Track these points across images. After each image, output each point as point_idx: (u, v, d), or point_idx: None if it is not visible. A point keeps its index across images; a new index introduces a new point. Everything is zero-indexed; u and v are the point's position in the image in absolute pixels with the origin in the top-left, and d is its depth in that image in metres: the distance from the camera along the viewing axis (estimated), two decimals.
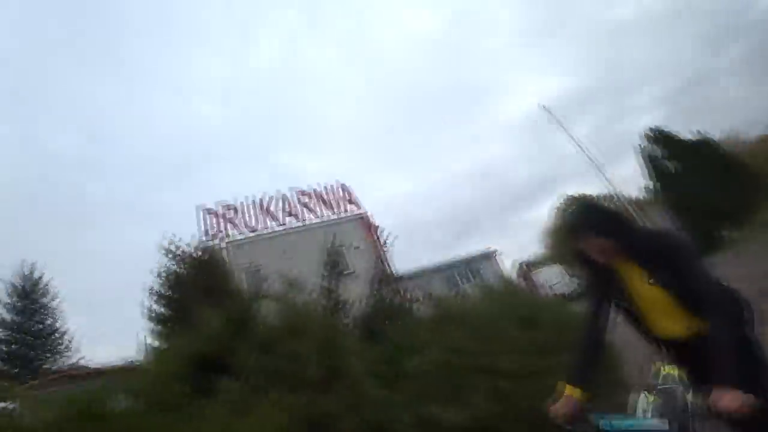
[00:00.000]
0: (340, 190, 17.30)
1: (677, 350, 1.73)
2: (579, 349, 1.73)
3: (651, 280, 1.63)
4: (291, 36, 79.88)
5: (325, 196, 16.93)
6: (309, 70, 73.49)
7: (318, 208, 16.59)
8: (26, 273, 17.58)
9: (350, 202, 17.22)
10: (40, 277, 17.98)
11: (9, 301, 16.93)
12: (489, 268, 19.26)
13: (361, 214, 16.75)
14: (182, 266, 10.63)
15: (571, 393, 1.61)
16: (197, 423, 2.30)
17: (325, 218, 16.31)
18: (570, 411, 1.58)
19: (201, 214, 14.86)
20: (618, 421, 1.54)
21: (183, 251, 10.86)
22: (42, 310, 17.65)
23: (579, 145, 17.47)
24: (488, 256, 20.43)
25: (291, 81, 75.82)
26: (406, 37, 75.94)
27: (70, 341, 17.76)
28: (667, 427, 1.50)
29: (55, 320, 17.83)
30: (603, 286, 1.76)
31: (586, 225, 1.69)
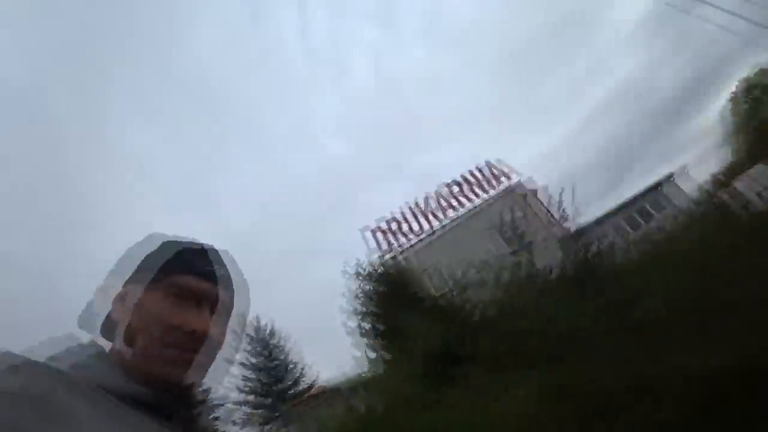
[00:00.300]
0: (486, 168, 16.90)
1: None
2: None
3: None
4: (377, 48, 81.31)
5: (473, 179, 16.74)
6: (404, 71, 73.50)
7: (471, 194, 16.50)
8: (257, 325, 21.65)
9: (503, 175, 16.68)
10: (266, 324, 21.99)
11: (250, 347, 21.12)
12: (675, 194, 16.00)
13: (515, 185, 16.04)
14: (376, 283, 11.80)
15: None
16: (446, 411, 2.51)
17: (482, 200, 16.13)
18: None
19: (368, 235, 16.12)
20: None
21: (373, 270, 12.06)
22: (275, 349, 21.58)
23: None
24: (667, 182, 16.87)
25: (391, 89, 77.05)
26: None
27: (302, 369, 21.36)
28: None
29: (287, 354, 21.60)
30: None
31: None
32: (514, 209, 12.18)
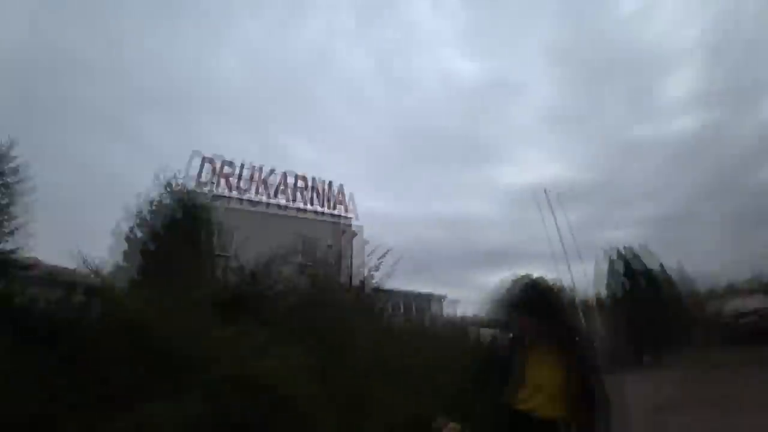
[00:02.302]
0: (335, 189, 18.27)
1: (529, 425, 1.96)
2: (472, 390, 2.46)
3: (561, 367, 1.95)
4: (336, 29, 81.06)
5: (320, 189, 17.88)
6: (340, 68, 74.85)
7: (308, 196, 17.51)
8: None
9: (341, 203, 18.22)
10: (15, 157, 18.06)
11: None
12: (436, 308, 20.43)
13: (350, 218, 17.74)
14: (177, 204, 11.23)
15: (454, 425, 2.04)
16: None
17: (315, 209, 17.26)
18: None
19: (197, 159, 15.50)
20: None
21: (182, 190, 11.49)
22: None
23: (560, 234, 19.09)
24: (438, 299, 21.57)
25: (320, 70, 76.62)
26: (443, 75, 78.57)
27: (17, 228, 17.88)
28: None
29: (12, 201, 17.92)
30: (508, 345, 2.14)
31: (523, 305, 2.04)
32: (330, 236, 13.50)
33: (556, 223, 19.27)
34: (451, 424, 2.03)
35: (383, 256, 5.88)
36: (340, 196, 18.40)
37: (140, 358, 2.17)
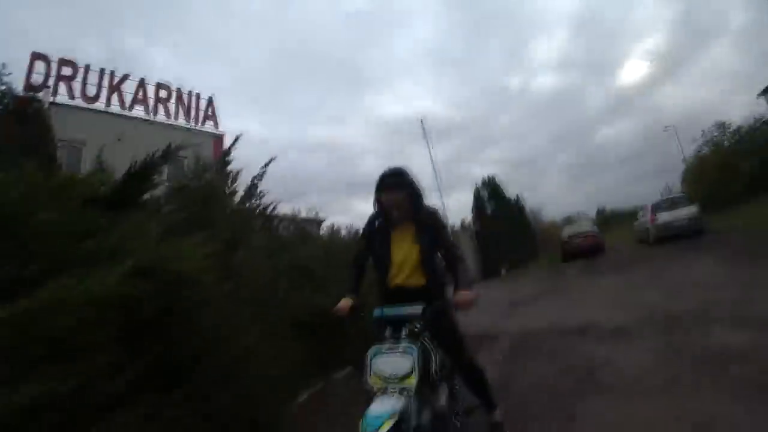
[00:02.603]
0: (204, 101, 16.54)
1: (402, 296, 2.32)
2: (352, 270, 2.58)
3: (415, 239, 2.35)
4: None
5: (186, 101, 16.01)
6: None
7: (173, 109, 15.60)
8: None
9: (210, 118, 16.64)
10: None
11: None
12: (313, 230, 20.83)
13: (218, 133, 16.35)
14: (1, 104, 9.10)
15: (347, 300, 2.37)
16: None
17: (178, 122, 15.47)
18: (347, 309, 2.34)
19: (40, 64, 12.56)
20: (387, 309, 2.24)
21: (9, 88, 9.28)
22: None
23: (434, 164, 20.32)
24: (319, 223, 22.01)
25: None
26: None
27: None
28: (420, 311, 2.18)
29: None
30: (372, 239, 2.50)
31: (398, 180, 2.36)
32: (198, 150, 12.29)
33: (430, 154, 20.45)
34: (343, 300, 2.37)
35: (267, 164, 5.59)
36: (210, 110, 16.71)
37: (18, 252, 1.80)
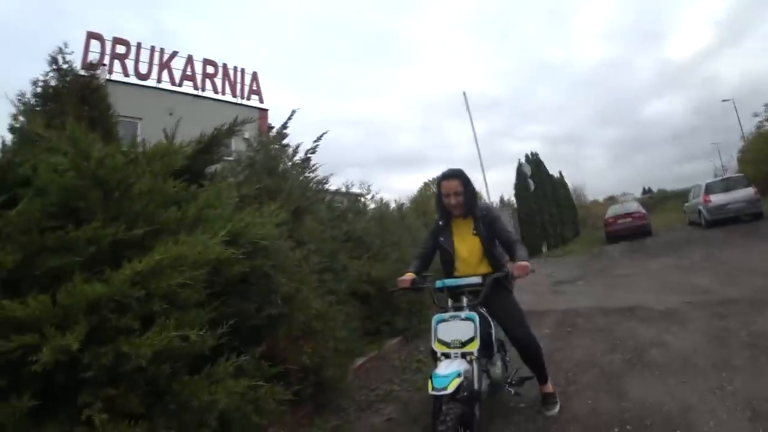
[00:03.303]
0: (249, 77, 16.78)
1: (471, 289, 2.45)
2: (416, 261, 2.71)
3: (474, 232, 2.58)
4: None
5: (232, 76, 16.30)
6: None
7: (219, 85, 15.94)
8: None
9: (255, 92, 16.89)
10: None
11: None
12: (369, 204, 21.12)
13: (263, 108, 16.61)
14: (64, 83, 9.59)
15: (410, 273, 2.55)
16: None
17: (225, 97, 15.82)
18: (408, 281, 2.50)
19: (88, 40, 13.05)
20: (449, 280, 2.45)
21: (71, 67, 9.75)
22: None
23: (476, 139, 19.94)
24: (362, 196, 22.29)
25: None
26: None
27: None
28: (480, 280, 2.35)
29: None
30: (439, 235, 2.71)
31: (457, 173, 2.60)
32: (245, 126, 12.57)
33: (473, 128, 19.98)
34: (407, 273, 2.55)
35: (319, 138, 5.68)
36: (255, 85, 16.95)
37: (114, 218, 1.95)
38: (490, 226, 2.59)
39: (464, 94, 20.93)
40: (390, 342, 4.34)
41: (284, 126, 5.37)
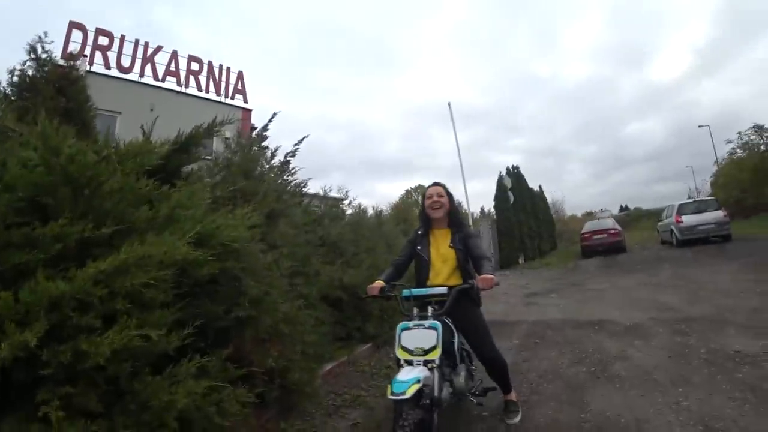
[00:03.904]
0: (234, 75, 16.68)
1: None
2: (390, 268, 2.82)
3: (451, 245, 2.71)
4: None
5: (216, 74, 16.18)
6: None
7: (204, 82, 15.80)
8: None
9: (239, 92, 16.79)
10: None
11: None
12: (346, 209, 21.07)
13: (246, 108, 16.51)
14: (41, 73, 9.39)
15: (379, 281, 2.64)
16: None
17: (208, 95, 15.69)
18: (377, 288, 2.59)
19: (78, 34, 12.84)
20: (415, 289, 2.52)
21: (49, 57, 9.55)
22: None
23: (458, 149, 20.18)
24: (340, 201, 22.23)
25: None
26: None
27: None
28: (445, 291, 2.42)
29: None
30: (417, 244, 2.82)
31: (442, 184, 2.86)
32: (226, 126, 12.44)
33: (456, 138, 20.20)
34: (376, 281, 2.64)
35: (299, 142, 5.71)
36: (239, 84, 16.83)
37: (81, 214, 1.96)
38: (465, 242, 2.72)
39: (449, 104, 21.14)
40: (361, 348, 4.38)
41: (264, 128, 5.39)
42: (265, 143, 5.22)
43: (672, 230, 14.50)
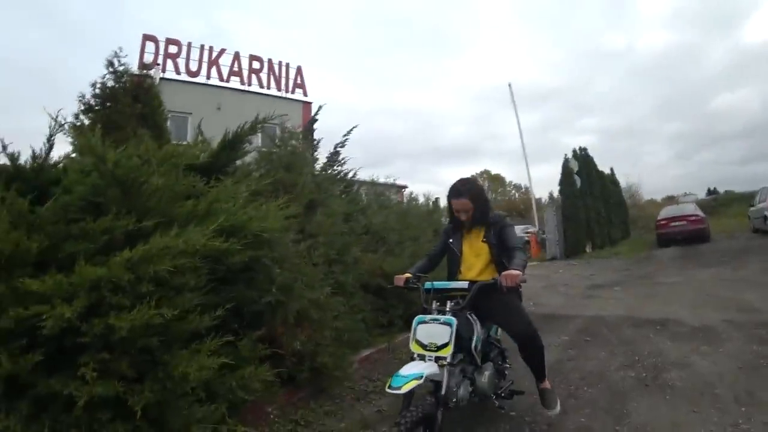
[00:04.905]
0: (293, 71, 17.34)
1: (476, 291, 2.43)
2: (424, 259, 2.85)
3: (484, 239, 2.63)
4: None
5: (276, 71, 16.92)
6: None
7: (265, 79, 16.61)
8: None
9: (299, 86, 17.43)
10: None
11: None
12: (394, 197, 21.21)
13: (307, 100, 17.11)
14: (119, 83, 10.44)
15: (407, 273, 2.67)
16: None
17: (270, 91, 16.48)
18: (402, 279, 2.62)
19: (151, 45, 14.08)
20: (437, 282, 2.49)
21: (126, 69, 10.59)
22: None
23: (521, 132, 19.55)
24: (399, 189, 22.36)
25: None
26: None
27: None
28: (466, 285, 2.39)
29: None
30: (450, 236, 2.78)
31: (465, 190, 2.62)
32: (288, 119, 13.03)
33: (518, 121, 19.54)
34: (407, 274, 2.65)
35: (348, 132, 5.88)
36: (299, 78, 17.53)
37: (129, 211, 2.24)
38: (500, 234, 2.63)
39: (509, 86, 20.54)
40: (402, 336, 4.48)
41: (312, 121, 5.65)
42: (315, 135, 5.49)
43: (766, 216, 13.04)
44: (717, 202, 31.76)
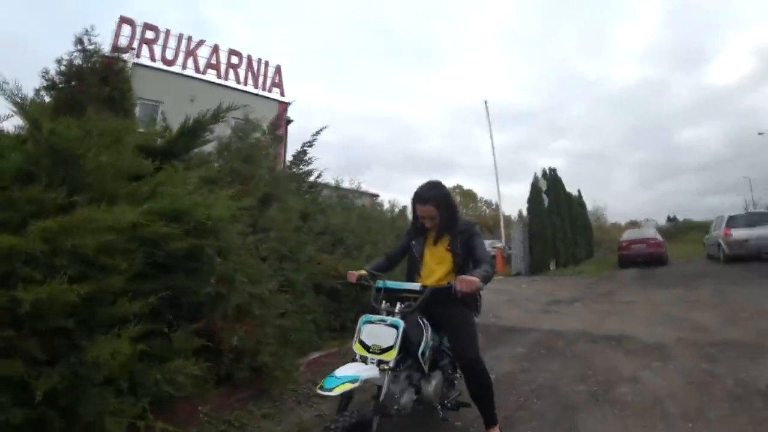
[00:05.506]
0: (272, 69, 17.15)
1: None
2: (382, 257, 2.74)
3: (449, 248, 2.50)
4: None
5: (255, 68, 16.70)
6: None
7: (243, 75, 16.35)
8: None
9: (277, 85, 17.23)
10: None
11: None
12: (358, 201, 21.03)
13: (283, 101, 16.90)
14: (88, 63, 10.07)
15: (360, 270, 2.55)
16: None
17: (246, 87, 16.22)
18: (354, 276, 2.48)
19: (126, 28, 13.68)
20: (390, 282, 2.37)
21: (96, 49, 10.22)
22: None
23: (493, 149, 19.88)
24: (370, 196, 22.24)
25: None
26: None
27: None
28: (418, 288, 2.28)
29: None
30: (413, 238, 2.65)
31: (431, 196, 2.44)
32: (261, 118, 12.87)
33: (491, 138, 19.89)
34: (361, 271, 2.53)
35: (317, 132, 5.82)
36: (277, 77, 17.32)
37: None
38: (467, 243, 2.49)
39: (485, 103, 20.91)
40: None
41: (279, 117, 5.55)
42: (280, 132, 5.40)
43: (720, 244, 13.57)
44: (676, 229, 33.29)
